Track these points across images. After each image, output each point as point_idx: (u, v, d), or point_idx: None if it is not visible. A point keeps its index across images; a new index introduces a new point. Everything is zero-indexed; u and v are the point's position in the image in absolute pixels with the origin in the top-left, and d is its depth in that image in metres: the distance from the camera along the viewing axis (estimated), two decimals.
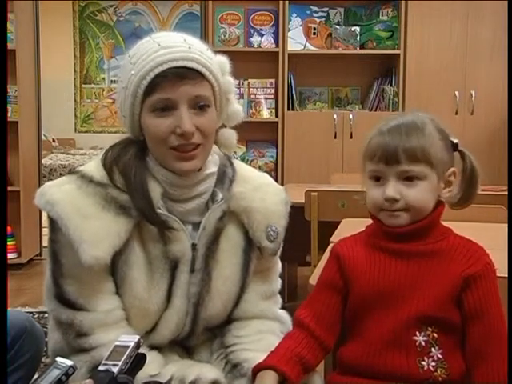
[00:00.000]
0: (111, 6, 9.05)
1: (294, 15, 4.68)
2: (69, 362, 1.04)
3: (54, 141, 8.82)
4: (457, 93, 4.54)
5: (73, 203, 1.21)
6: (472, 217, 1.79)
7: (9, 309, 1.43)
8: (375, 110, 4.68)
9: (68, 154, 8.61)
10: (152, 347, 1.29)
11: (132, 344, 1.07)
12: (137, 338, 1.09)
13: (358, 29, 4.64)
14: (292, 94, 4.64)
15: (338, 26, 4.69)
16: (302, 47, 4.69)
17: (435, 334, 1.16)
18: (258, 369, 1.18)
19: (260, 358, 1.20)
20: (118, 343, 1.08)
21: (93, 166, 1.28)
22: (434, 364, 1.16)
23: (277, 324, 1.40)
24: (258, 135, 4.64)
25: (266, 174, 1.43)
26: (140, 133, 1.28)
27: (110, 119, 9.20)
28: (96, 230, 1.20)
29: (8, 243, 4.22)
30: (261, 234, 1.33)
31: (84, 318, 1.24)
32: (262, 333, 1.35)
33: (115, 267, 1.24)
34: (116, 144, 1.31)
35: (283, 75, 4.58)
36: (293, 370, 1.17)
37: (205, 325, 1.35)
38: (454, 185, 1.23)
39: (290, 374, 1.17)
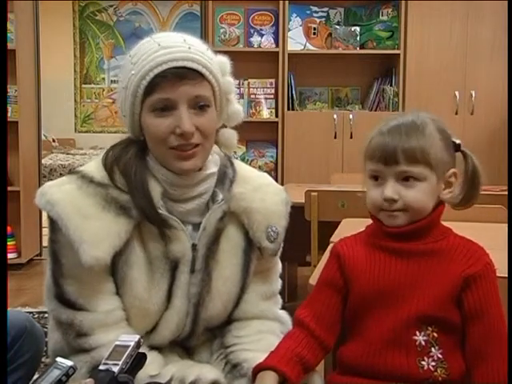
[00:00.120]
0: (111, 5, 9.05)
1: (294, 15, 4.68)
2: (69, 363, 1.04)
3: (54, 141, 8.83)
4: (457, 93, 4.54)
5: (73, 203, 1.21)
6: (472, 217, 1.79)
7: (9, 309, 1.43)
8: (375, 110, 4.68)
9: (68, 153, 8.62)
10: (152, 347, 1.29)
11: (132, 343, 1.07)
12: (137, 337, 1.09)
13: (357, 29, 4.64)
14: (292, 94, 4.64)
15: (337, 26, 4.69)
16: (302, 47, 4.69)
17: (435, 334, 1.16)
18: (258, 369, 1.18)
19: (260, 358, 1.21)
20: (118, 343, 1.08)
21: (93, 167, 1.28)
22: (433, 364, 1.16)
23: (277, 324, 1.40)
24: (258, 135, 4.64)
25: (266, 174, 1.43)
26: (140, 133, 1.28)
27: (110, 119, 9.20)
28: (96, 230, 1.20)
29: (8, 243, 4.22)
30: (261, 234, 1.33)
31: (84, 318, 1.24)
32: (262, 333, 1.35)
33: (115, 267, 1.24)
34: (116, 144, 1.31)
35: (283, 75, 4.58)
36: (293, 371, 1.18)
37: (205, 325, 1.35)
38: (455, 185, 1.22)
39: (291, 374, 1.17)
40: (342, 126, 4.57)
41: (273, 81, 4.67)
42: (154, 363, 1.23)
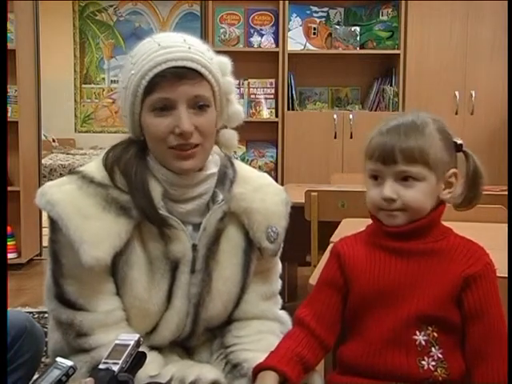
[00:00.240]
0: (111, 5, 9.05)
1: (294, 15, 4.68)
2: (69, 363, 1.04)
3: (54, 141, 8.83)
4: (457, 93, 4.54)
5: (73, 203, 1.21)
6: (472, 217, 1.79)
7: (9, 309, 1.43)
8: (375, 110, 4.68)
9: (68, 153, 8.62)
10: (152, 348, 1.29)
11: (132, 343, 1.07)
12: (137, 336, 1.09)
13: (358, 29, 4.64)
14: (292, 94, 4.64)
15: (337, 26, 4.69)
16: (302, 47, 4.69)
17: (435, 334, 1.16)
18: (258, 369, 1.18)
19: (260, 358, 1.21)
20: (118, 342, 1.08)
21: (93, 167, 1.28)
22: (434, 363, 1.16)
23: (277, 324, 1.40)
24: (258, 135, 4.64)
25: (266, 175, 1.43)
26: (140, 132, 1.28)
27: (110, 119, 9.21)
28: (96, 230, 1.20)
29: (8, 243, 4.22)
30: (261, 234, 1.33)
31: (84, 318, 1.24)
32: (262, 333, 1.35)
33: (116, 268, 1.24)
34: (117, 144, 1.31)
35: (283, 75, 4.58)
36: (293, 371, 1.18)
37: (205, 325, 1.35)
38: (456, 186, 1.22)
39: (291, 374, 1.17)
40: (342, 126, 4.57)
41: (273, 81, 4.67)
42: (153, 363, 1.23)
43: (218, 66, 1.28)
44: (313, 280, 1.41)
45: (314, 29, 4.71)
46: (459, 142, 1.23)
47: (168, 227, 1.25)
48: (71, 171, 1.31)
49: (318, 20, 4.73)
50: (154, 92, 1.21)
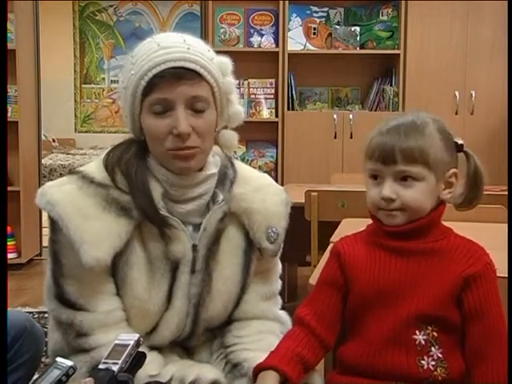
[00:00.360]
0: (111, 5, 9.05)
1: (294, 15, 4.68)
2: (69, 363, 1.04)
3: (54, 141, 8.83)
4: (457, 93, 4.54)
5: (74, 204, 1.21)
6: (472, 217, 1.79)
7: (9, 309, 1.43)
8: (375, 110, 4.68)
9: (68, 154, 8.62)
10: (152, 348, 1.29)
11: (132, 342, 1.07)
12: (136, 336, 1.09)
13: (358, 29, 4.64)
14: (292, 94, 4.64)
15: (337, 26, 4.69)
16: (302, 47, 4.69)
17: (435, 333, 1.16)
18: (258, 369, 1.18)
19: (260, 357, 1.21)
20: (117, 342, 1.08)
21: (94, 167, 1.28)
22: (433, 363, 1.16)
23: (277, 324, 1.40)
24: (258, 135, 4.64)
25: (266, 175, 1.43)
26: (141, 133, 1.28)
27: (110, 119, 9.21)
28: (97, 230, 1.20)
29: (8, 243, 4.22)
30: (261, 235, 1.33)
31: (84, 318, 1.24)
32: (262, 333, 1.35)
33: (116, 268, 1.24)
34: (118, 145, 1.31)
35: (283, 75, 4.58)
36: (294, 370, 1.18)
37: (205, 325, 1.35)
38: (456, 186, 1.22)
39: (292, 374, 1.17)
40: (342, 126, 4.57)
41: (273, 81, 4.67)
42: (153, 363, 1.23)
43: (219, 66, 1.28)
44: (313, 280, 1.41)
45: (314, 29, 4.71)
46: (460, 142, 1.23)
47: (168, 227, 1.25)
48: (71, 171, 1.31)
49: (317, 20, 4.73)
50: (153, 92, 1.21)
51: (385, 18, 4.66)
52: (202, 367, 1.27)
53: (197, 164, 1.26)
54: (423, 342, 1.16)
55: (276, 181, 1.46)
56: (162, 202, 1.25)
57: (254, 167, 1.48)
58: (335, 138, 4.57)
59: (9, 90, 4.18)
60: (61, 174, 7.49)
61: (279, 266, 1.45)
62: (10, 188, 4.08)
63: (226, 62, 1.30)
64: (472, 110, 4.56)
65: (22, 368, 1.48)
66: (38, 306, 3.29)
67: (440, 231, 1.22)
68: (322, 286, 1.27)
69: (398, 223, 1.19)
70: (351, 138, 4.54)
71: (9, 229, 4.21)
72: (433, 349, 1.16)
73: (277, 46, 4.64)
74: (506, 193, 2.59)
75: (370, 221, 1.27)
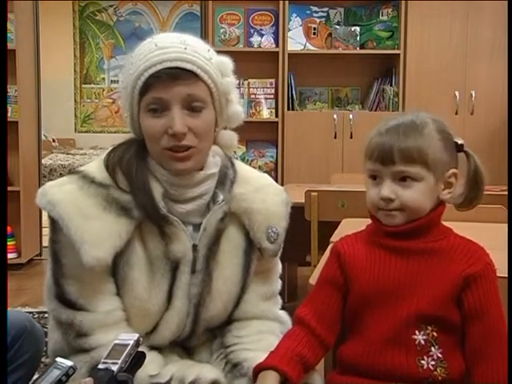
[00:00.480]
0: (111, 5, 9.05)
1: (294, 15, 4.68)
2: (69, 363, 1.04)
3: (54, 141, 8.83)
4: (457, 93, 4.54)
5: (74, 203, 1.21)
6: (472, 217, 1.79)
7: (9, 309, 1.43)
8: (375, 110, 4.68)
9: (68, 154, 8.62)
10: (152, 348, 1.29)
11: (131, 342, 1.07)
12: (136, 336, 1.09)
13: (358, 29, 4.64)
14: (292, 94, 4.64)
15: (338, 26, 4.69)
16: (302, 47, 4.69)
17: (435, 333, 1.16)
18: (259, 369, 1.18)
19: (260, 357, 1.21)
20: (117, 341, 1.08)
21: (94, 167, 1.28)
22: (433, 363, 1.16)
23: (277, 324, 1.40)
24: (258, 135, 4.64)
25: (266, 175, 1.43)
26: (141, 132, 1.28)
27: (110, 119, 9.21)
28: (97, 230, 1.20)
29: (8, 243, 4.22)
30: (261, 235, 1.33)
31: (84, 318, 1.24)
32: (262, 333, 1.35)
33: (116, 268, 1.24)
34: (119, 145, 1.31)
35: (283, 75, 4.58)
36: (294, 370, 1.18)
37: (205, 325, 1.35)
38: (456, 186, 1.22)
39: (292, 374, 1.17)
40: (342, 126, 4.57)
41: (273, 81, 4.67)
42: (153, 363, 1.23)
43: (218, 66, 1.28)
44: (313, 280, 1.41)
45: (314, 29, 4.71)
46: (460, 142, 1.22)
47: (168, 226, 1.25)
48: (71, 171, 1.32)
49: (317, 20, 4.73)
50: (149, 92, 1.22)
51: (385, 18, 4.66)
52: (201, 367, 1.27)
53: (194, 165, 1.26)
54: (423, 342, 1.16)
55: (276, 181, 1.46)
56: (162, 201, 1.25)
57: (254, 167, 1.49)
58: (335, 138, 4.57)
59: (9, 90, 4.18)
60: (61, 174, 7.50)
61: (279, 266, 1.45)
62: (9, 188, 4.08)
63: (226, 62, 1.30)
64: (472, 110, 4.56)
65: (22, 368, 1.48)
66: (38, 306, 3.29)
67: (440, 231, 1.22)
68: (322, 286, 1.27)
69: (397, 223, 1.20)
70: (351, 138, 4.54)
71: (9, 229, 4.21)
72: (433, 349, 1.16)
73: (277, 46, 4.64)
74: (506, 193, 2.59)
75: (370, 221, 1.27)
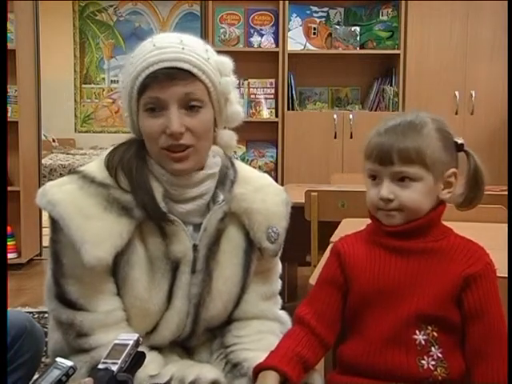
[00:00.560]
0: (111, 5, 9.05)
1: (294, 15, 4.68)
2: (69, 363, 1.04)
3: (54, 141, 8.83)
4: (457, 93, 4.54)
5: (74, 203, 1.21)
6: (472, 217, 1.79)
7: (9, 309, 1.43)
8: (375, 110, 4.68)
9: (68, 154, 8.62)
10: (152, 348, 1.29)
11: (131, 342, 1.07)
12: (136, 336, 1.09)
13: (357, 29, 4.64)
14: (292, 94, 4.64)
15: (337, 26, 4.69)
16: (302, 47, 4.69)
17: (435, 333, 1.16)
18: (259, 369, 1.18)
19: (260, 357, 1.21)
20: (117, 341, 1.08)
21: (94, 167, 1.28)
22: (433, 363, 1.16)
23: (277, 324, 1.40)
24: (258, 135, 4.64)
25: (266, 175, 1.43)
26: (140, 132, 1.28)
27: (110, 119, 9.21)
28: (98, 230, 1.20)
29: (8, 243, 4.22)
30: (261, 235, 1.33)
31: (84, 318, 1.24)
32: (262, 333, 1.36)
33: (117, 268, 1.24)
34: (120, 145, 1.31)
35: (283, 75, 4.58)
36: (294, 370, 1.18)
37: (205, 325, 1.35)
38: (456, 186, 1.22)
39: (292, 374, 1.17)
40: (342, 126, 4.57)
41: (273, 81, 4.67)
42: (153, 363, 1.23)
43: (217, 65, 1.28)
44: (313, 280, 1.41)
45: (314, 29, 4.71)
46: (460, 141, 1.22)
47: (169, 226, 1.25)
48: (72, 171, 1.32)
49: (317, 20, 4.73)
50: (147, 92, 1.22)
51: (385, 17, 4.66)
52: (201, 367, 1.27)
53: (192, 165, 1.26)
54: (423, 342, 1.16)
55: (276, 181, 1.46)
56: (162, 201, 1.25)
57: (254, 167, 1.49)
58: (335, 138, 4.57)
59: (9, 90, 4.18)
60: (61, 174, 7.50)
61: (279, 265, 1.45)
62: (9, 188, 4.08)
63: (226, 61, 1.30)
64: (472, 110, 4.56)
65: (22, 368, 1.48)
66: (38, 305, 3.29)
67: (440, 231, 1.22)
68: (322, 285, 1.27)
69: (396, 223, 1.20)
70: (351, 138, 4.54)
71: (9, 229, 4.21)
72: (433, 349, 1.16)
73: (277, 46, 4.64)
74: (506, 193, 2.59)
75: (370, 221, 1.27)
